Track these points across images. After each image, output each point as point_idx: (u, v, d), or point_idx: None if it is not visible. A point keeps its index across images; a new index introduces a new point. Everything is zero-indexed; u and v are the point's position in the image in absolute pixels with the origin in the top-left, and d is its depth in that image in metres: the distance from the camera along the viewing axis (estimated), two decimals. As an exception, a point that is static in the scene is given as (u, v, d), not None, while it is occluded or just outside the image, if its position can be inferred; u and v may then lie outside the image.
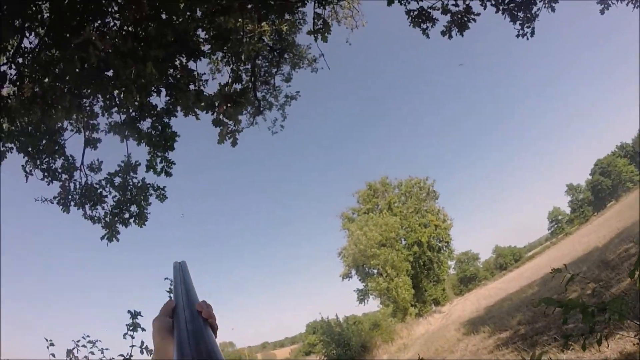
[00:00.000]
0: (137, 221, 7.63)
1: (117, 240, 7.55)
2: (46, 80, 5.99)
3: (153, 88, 5.99)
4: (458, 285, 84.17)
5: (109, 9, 6.15)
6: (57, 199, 7.57)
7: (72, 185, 7.77)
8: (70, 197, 7.66)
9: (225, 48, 7.37)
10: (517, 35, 7.47)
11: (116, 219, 7.47)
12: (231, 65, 9.18)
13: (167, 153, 7.19)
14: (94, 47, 4.45)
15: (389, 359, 20.12)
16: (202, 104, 5.55)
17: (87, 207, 7.97)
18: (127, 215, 7.66)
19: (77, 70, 5.01)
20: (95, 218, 7.89)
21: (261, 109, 12.39)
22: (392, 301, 35.14)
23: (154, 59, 4.79)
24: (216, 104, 5.55)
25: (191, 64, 5.82)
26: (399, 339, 25.29)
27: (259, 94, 12.37)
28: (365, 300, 38.58)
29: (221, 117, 5.56)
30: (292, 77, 12.46)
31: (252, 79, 11.18)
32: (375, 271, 35.79)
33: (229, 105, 5.33)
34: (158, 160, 7.29)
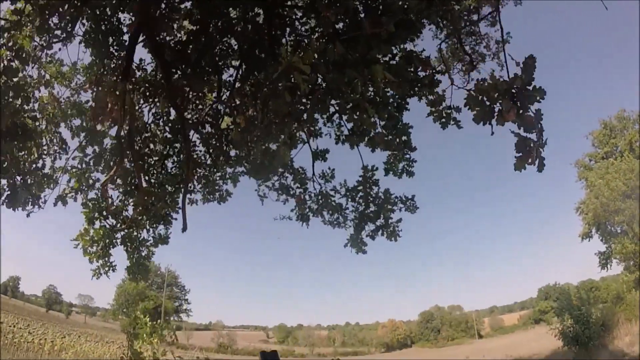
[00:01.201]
0: (386, 234, 7.25)
1: (364, 252, 7.30)
2: (252, 110, 6.21)
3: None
4: None
5: (295, 16, 5.79)
6: (295, 214, 8.08)
7: (307, 196, 8.20)
8: (307, 208, 8.06)
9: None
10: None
11: (362, 234, 7.33)
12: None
13: (406, 152, 6.76)
14: (299, 72, 3.79)
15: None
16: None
17: (325, 213, 8.27)
18: (373, 228, 7.38)
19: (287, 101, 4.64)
20: (335, 223, 8.10)
21: (474, 62, 10.29)
22: (638, 268, 27.48)
23: (374, 60, 3.98)
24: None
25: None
26: (644, 318, 19.41)
27: (467, 48, 10.19)
28: (608, 266, 31.28)
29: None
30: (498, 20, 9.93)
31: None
32: (619, 229, 28.48)
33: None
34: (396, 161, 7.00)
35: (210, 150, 8.76)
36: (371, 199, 7.31)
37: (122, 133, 6.24)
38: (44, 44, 6.47)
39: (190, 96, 7.89)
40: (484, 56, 9.60)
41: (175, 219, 8.06)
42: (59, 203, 7.25)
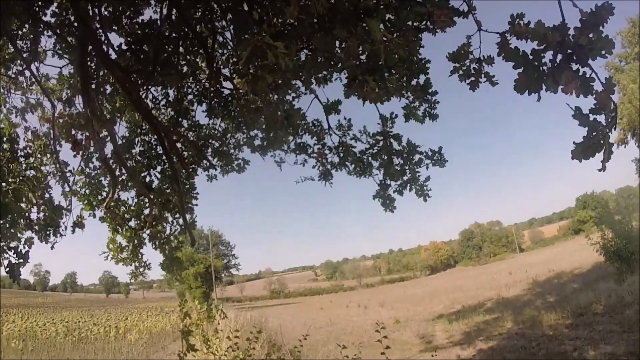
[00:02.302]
0: (414, 189, 6.73)
1: (392, 211, 6.93)
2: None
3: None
4: None
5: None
6: (318, 171, 7.66)
7: (326, 150, 7.73)
8: (328, 163, 7.64)
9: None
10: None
11: (387, 191, 6.87)
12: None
13: (427, 95, 6.00)
14: (272, 50, 3.01)
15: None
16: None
17: (348, 164, 7.83)
18: (399, 183, 6.81)
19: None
20: (360, 173, 7.67)
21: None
22: None
23: (368, 11, 3.24)
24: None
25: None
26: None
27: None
28: None
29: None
30: None
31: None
32: None
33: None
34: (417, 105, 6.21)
35: (219, 120, 8.37)
36: (394, 153, 6.72)
37: (107, 155, 5.98)
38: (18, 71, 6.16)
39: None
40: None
41: (196, 204, 7.92)
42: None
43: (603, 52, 2.51)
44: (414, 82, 6.11)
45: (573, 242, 64.39)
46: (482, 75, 4.27)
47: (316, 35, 3.60)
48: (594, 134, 2.50)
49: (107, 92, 7.11)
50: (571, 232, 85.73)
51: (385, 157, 6.91)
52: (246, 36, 4.02)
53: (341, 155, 7.69)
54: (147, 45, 5.35)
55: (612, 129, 2.57)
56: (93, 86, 5.96)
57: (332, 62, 4.31)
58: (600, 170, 2.61)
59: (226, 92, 7.69)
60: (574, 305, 12.53)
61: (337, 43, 3.69)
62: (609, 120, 2.52)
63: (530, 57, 2.60)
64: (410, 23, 3.94)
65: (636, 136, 27.77)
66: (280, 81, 4.61)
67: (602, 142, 2.50)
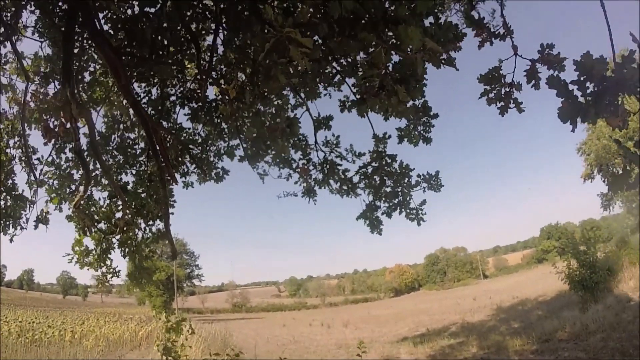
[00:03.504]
0: (405, 213, 6.46)
1: (380, 233, 6.64)
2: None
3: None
4: None
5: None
6: (300, 186, 7.37)
7: (310, 166, 7.43)
8: (312, 180, 7.35)
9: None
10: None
11: (375, 213, 6.59)
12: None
13: (427, 117, 5.81)
14: (296, 46, 2.70)
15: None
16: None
17: (332, 182, 7.54)
18: (389, 206, 6.57)
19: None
20: (343, 192, 7.43)
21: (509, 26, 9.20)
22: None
23: (403, 19, 2.94)
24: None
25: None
26: (646, 262, 19.95)
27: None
28: (611, 207, 31.65)
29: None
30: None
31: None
32: (621, 171, 28.70)
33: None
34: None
35: (200, 126, 8.01)
36: (384, 174, 6.46)
37: (82, 146, 5.45)
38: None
39: (156, 81, 6.92)
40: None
41: (172, 212, 7.40)
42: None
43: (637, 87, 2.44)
44: (411, 103, 5.91)
45: (536, 271, 66.37)
46: (512, 101, 4.09)
47: (333, 39, 3.32)
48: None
49: (86, 80, 6.61)
50: (534, 261, 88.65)
51: (378, 178, 6.68)
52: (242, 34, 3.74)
53: (326, 172, 7.45)
54: (144, 26, 4.89)
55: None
56: (73, 73, 5.43)
57: (341, 71, 4.05)
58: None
59: (211, 97, 7.38)
60: (539, 331, 12.66)
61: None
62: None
63: (573, 86, 2.48)
64: (450, 34, 3.69)
65: (602, 172, 29.09)
66: (288, 87, 4.29)
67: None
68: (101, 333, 21.12)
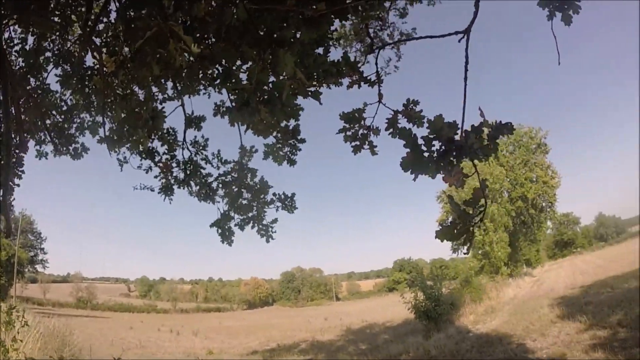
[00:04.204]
0: (257, 227, 6.36)
1: (230, 244, 6.54)
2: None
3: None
4: (552, 247, 79.79)
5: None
6: (159, 181, 6.93)
7: (174, 163, 7.10)
8: (172, 178, 7.01)
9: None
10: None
11: (229, 224, 6.46)
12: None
13: (295, 140, 5.66)
14: (176, 40, 2.67)
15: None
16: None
17: (193, 184, 7.31)
18: (243, 218, 6.32)
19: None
20: (202, 196, 7.21)
21: (374, 47, 10.21)
22: (484, 256, 33.57)
23: (283, 43, 3.06)
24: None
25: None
26: (487, 300, 24.19)
27: (370, 31, 10.12)
28: (460, 251, 37.24)
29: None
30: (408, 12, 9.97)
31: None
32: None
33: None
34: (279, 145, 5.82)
35: (69, 92, 7.09)
36: (243, 186, 6.43)
37: None
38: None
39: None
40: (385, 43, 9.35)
41: (18, 184, 6.29)
42: None
43: (481, 155, 2.89)
44: (284, 124, 6.02)
45: (387, 298, 72.82)
46: (367, 143, 4.36)
47: (218, 43, 3.31)
48: (462, 221, 2.82)
49: None
50: (386, 290, 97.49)
51: (235, 189, 6.68)
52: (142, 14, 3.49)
53: (188, 172, 7.23)
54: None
55: (480, 222, 2.92)
56: None
57: (220, 76, 4.01)
58: (465, 253, 2.85)
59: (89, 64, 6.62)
60: (385, 354, 13.87)
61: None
62: (478, 213, 2.89)
63: (421, 141, 2.85)
64: (321, 71, 3.90)
65: (457, 219, 34.22)
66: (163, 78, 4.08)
67: (470, 229, 2.83)
68: None
